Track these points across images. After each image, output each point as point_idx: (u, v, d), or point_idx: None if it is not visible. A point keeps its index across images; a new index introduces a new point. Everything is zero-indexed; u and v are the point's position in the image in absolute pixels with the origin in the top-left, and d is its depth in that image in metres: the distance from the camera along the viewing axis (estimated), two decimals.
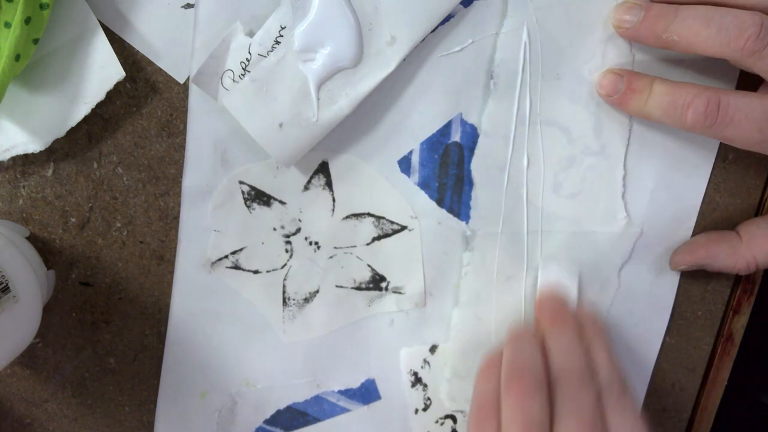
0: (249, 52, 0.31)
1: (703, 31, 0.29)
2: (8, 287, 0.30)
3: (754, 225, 0.35)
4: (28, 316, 0.32)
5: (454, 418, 0.39)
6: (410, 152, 0.35)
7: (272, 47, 0.31)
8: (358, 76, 0.32)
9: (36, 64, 0.32)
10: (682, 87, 0.31)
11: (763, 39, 0.29)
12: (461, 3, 0.32)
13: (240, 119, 0.32)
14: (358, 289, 0.37)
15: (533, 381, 0.30)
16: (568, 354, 0.32)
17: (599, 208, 0.36)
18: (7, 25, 0.29)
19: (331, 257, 0.36)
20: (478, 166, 0.35)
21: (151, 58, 0.32)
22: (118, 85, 0.32)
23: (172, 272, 0.36)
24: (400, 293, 0.37)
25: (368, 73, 0.32)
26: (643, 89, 0.32)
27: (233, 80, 0.32)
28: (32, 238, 0.35)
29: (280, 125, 0.32)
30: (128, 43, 0.32)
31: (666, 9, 0.30)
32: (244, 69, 0.32)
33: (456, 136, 0.35)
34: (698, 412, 0.40)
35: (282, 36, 0.31)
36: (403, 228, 0.36)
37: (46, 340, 0.37)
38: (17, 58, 0.29)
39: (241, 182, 0.35)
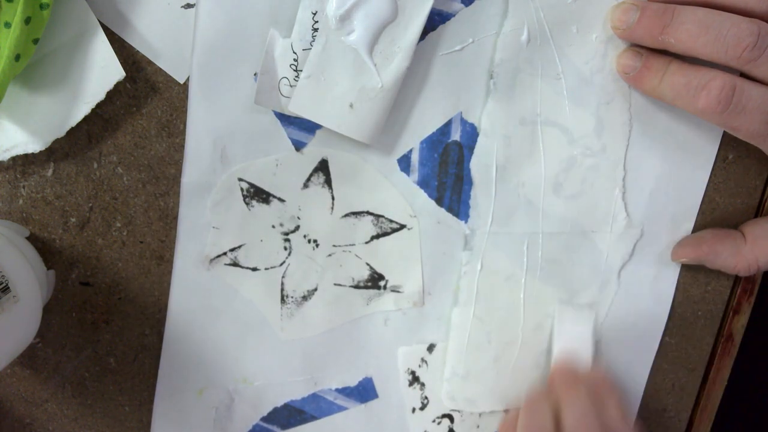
0: (293, 51, 0.32)
1: (701, 37, 0.29)
2: (8, 287, 0.31)
3: (758, 226, 0.35)
4: (28, 316, 0.32)
5: (451, 418, 0.39)
6: (410, 151, 0.35)
7: (313, 36, 0.31)
8: (402, 26, 0.31)
9: (36, 64, 0.32)
10: (699, 69, 0.30)
11: (759, 48, 0.28)
12: (462, 2, 0.32)
13: (312, 118, 0.32)
14: (357, 287, 0.37)
15: None
16: (581, 420, 0.33)
17: (599, 208, 0.36)
18: (7, 25, 0.29)
19: (329, 255, 0.36)
20: (477, 165, 0.35)
21: (151, 58, 0.32)
22: (118, 85, 0.32)
23: (171, 272, 0.36)
24: (398, 292, 0.37)
25: (411, 17, 0.31)
26: (659, 68, 0.31)
27: (290, 86, 0.32)
28: (32, 238, 0.35)
29: (351, 105, 0.32)
30: (128, 43, 0.32)
31: (662, 10, 0.30)
32: (295, 70, 0.32)
33: (456, 135, 0.35)
34: (698, 412, 0.40)
35: (317, 22, 0.31)
36: (402, 227, 0.36)
37: (46, 340, 0.37)
38: (17, 58, 0.30)
39: (240, 179, 0.35)
